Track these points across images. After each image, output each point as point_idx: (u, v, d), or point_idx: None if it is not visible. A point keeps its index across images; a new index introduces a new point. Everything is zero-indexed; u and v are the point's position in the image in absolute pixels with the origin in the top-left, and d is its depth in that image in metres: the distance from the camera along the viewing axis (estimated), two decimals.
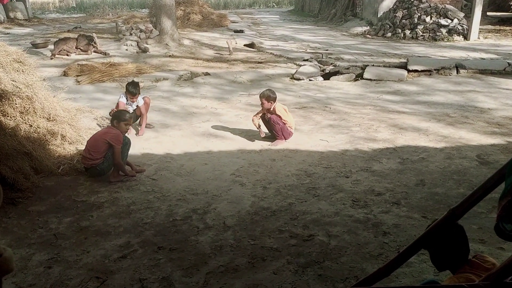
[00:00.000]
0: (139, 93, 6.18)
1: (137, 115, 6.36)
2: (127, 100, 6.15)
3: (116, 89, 8.37)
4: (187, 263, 3.22)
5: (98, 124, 6.31)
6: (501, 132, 5.80)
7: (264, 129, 5.85)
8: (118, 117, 4.87)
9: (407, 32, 14.54)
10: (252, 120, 5.87)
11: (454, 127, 6.08)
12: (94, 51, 11.69)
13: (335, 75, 9.74)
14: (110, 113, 5.02)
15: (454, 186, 4.31)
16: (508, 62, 9.54)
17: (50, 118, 5.10)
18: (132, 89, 6.06)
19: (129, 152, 4.93)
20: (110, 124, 4.96)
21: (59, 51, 11.21)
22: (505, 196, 1.48)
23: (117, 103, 6.13)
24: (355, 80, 9.40)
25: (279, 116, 5.56)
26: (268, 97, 5.54)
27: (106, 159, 4.61)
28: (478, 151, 5.17)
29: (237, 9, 31.42)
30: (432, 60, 10.21)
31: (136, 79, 8.89)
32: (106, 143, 4.61)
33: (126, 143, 4.83)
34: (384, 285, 2.84)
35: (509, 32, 15.01)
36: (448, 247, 2.11)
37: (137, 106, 6.27)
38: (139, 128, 6.24)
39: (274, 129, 5.58)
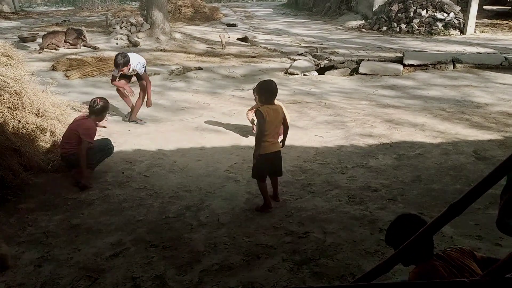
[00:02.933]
0: (126, 65, 5.85)
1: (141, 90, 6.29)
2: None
3: (106, 83, 8.25)
4: (180, 261, 3.17)
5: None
6: (498, 127, 5.78)
7: None
8: (104, 109, 4.71)
9: (403, 26, 14.51)
10: (247, 115, 5.80)
11: (450, 122, 6.05)
12: (83, 45, 11.53)
13: (330, 69, 9.71)
14: (94, 103, 4.69)
15: (450, 182, 4.28)
16: (504, 57, 9.56)
17: (39, 113, 5.00)
18: (115, 60, 5.86)
19: (120, 149, 4.82)
20: (88, 113, 4.70)
21: (47, 45, 11.05)
22: (506, 191, 1.45)
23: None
24: (350, 74, 9.36)
25: None
26: None
27: (77, 152, 4.42)
28: (475, 146, 5.15)
29: (230, 2, 31.23)
30: (428, 55, 10.19)
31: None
32: (78, 136, 4.43)
33: (103, 150, 4.63)
34: (382, 282, 2.81)
35: (505, 26, 15.06)
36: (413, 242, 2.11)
37: (137, 74, 6.14)
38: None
39: None
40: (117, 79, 6.10)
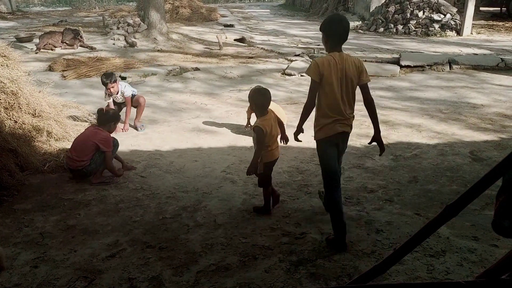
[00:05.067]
0: (112, 83, 5.84)
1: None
2: (110, 95, 6.00)
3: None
4: (177, 262, 3.16)
5: (85, 120, 6.18)
6: (494, 128, 5.80)
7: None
8: (116, 118, 4.82)
9: (400, 27, 14.55)
10: (246, 112, 5.84)
11: (447, 123, 6.07)
12: (80, 45, 11.53)
13: None
14: (102, 111, 4.80)
15: (447, 183, 4.29)
16: (501, 58, 9.60)
17: (35, 114, 4.99)
18: (103, 79, 5.86)
19: (117, 150, 4.83)
20: (97, 123, 4.74)
21: (44, 45, 11.04)
22: (502, 193, 1.46)
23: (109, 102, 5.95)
24: None
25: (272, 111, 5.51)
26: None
27: (93, 161, 4.46)
28: (471, 147, 5.17)
29: (227, 3, 31.28)
30: (425, 56, 10.22)
31: (123, 74, 8.78)
32: (95, 146, 4.46)
33: (115, 145, 4.70)
34: (379, 283, 2.81)
35: (502, 27, 15.11)
36: None
37: (123, 97, 6.10)
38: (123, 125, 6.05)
39: None
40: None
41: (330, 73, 3.12)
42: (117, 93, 6.02)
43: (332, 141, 3.29)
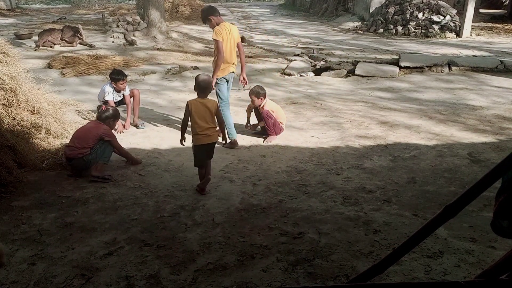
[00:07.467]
0: (125, 79, 5.94)
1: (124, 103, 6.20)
2: (113, 92, 5.98)
3: (102, 82, 8.24)
4: (175, 260, 3.15)
5: (83, 118, 6.18)
6: (493, 130, 5.81)
7: (255, 121, 5.82)
8: (116, 116, 4.99)
9: (399, 28, 14.56)
10: (246, 111, 5.87)
11: (445, 124, 6.08)
12: (80, 43, 11.51)
13: (326, 70, 9.73)
14: (100, 109, 4.94)
15: (445, 184, 4.30)
16: (500, 60, 9.61)
17: (34, 111, 4.98)
18: (119, 76, 5.85)
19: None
20: (97, 120, 4.86)
21: (43, 43, 11.02)
22: (501, 193, 1.46)
23: (107, 101, 5.85)
24: (347, 76, 9.39)
25: (272, 111, 5.54)
26: (257, 93, 5.52)
27: (94, 151, 4.51)
28: (470, 149, 5.17)
29: (227, 2, 31.26)
30: (424, 57, 10.22)
31: None
32: (97, 137, 4.56)
33: None
34: (377, 283, 2.81)
35: (501, 30, 15.14)
36: None
37: (123, 95, 6.10)
38: (124, 122, 6.03)
39: (267, 123, 5.53)
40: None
41: (226, 36, 5.04)
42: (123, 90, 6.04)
43: (225, 78, 5.31)
